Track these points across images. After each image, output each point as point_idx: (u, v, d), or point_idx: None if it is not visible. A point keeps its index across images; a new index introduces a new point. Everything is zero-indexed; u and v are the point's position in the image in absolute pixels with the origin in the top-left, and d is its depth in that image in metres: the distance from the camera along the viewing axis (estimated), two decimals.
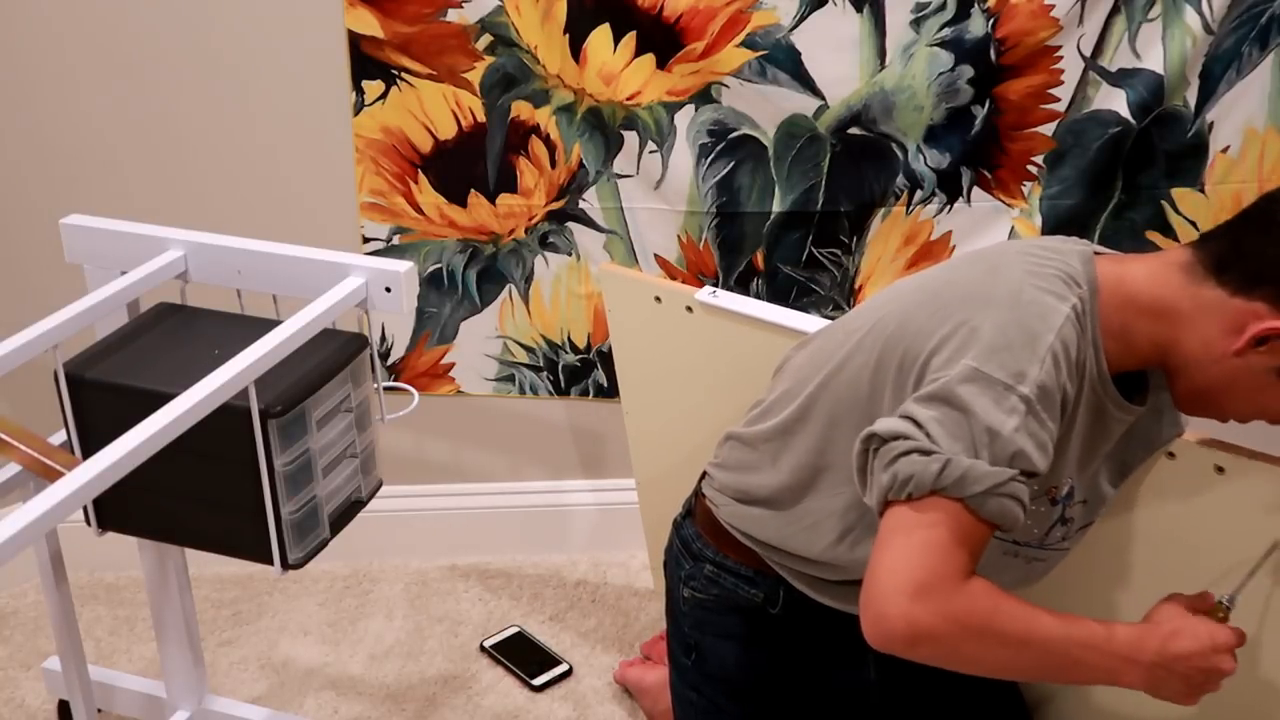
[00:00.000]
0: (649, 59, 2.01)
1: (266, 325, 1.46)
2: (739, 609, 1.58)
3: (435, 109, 2.06)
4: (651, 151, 2.08)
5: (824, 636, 1.54)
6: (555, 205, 2.14)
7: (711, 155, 2.07)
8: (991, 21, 1.96)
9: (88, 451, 1.36)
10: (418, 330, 2.24)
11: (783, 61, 1.99)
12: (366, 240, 2.16)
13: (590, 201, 2.13)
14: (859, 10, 1.96)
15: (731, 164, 2.07)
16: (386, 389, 2.07)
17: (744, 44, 1.98)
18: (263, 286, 1.59)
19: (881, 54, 1.99)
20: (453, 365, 2.27)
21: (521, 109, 2.06)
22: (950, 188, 2.09)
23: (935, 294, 1.35)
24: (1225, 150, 2.07)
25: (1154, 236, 2.13)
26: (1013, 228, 2.10)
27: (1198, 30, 1.97)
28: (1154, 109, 2.02)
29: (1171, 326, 1.31)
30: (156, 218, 1.65)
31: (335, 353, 1.51)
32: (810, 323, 1.69)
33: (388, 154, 2.10)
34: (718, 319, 1.77)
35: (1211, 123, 2.05)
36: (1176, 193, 2.10)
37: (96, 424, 1.46)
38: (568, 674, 2.11)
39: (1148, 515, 1.53)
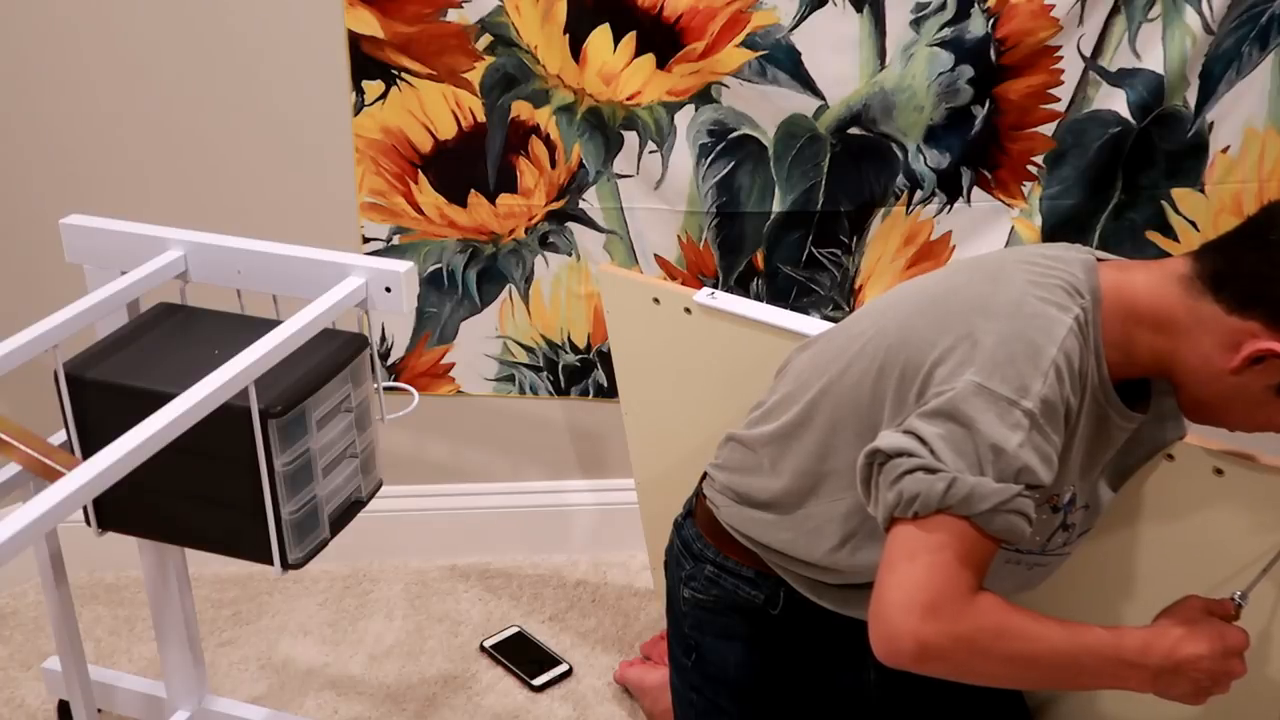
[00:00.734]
0: (649, 59, 2.01)
1: (266, 325, 1.46)
2: (739, 610, 1.58)
3: (435, 109, 2.06)
4: (651, 151, 2.08)
5: (824, 638, 1.54)
6: (555, 205, 2.14)
7: (711, 155, 2.07)
8: (991, 21, 1.96)
9: (88, 451, 1.36)
10: (418, 330, 2.24)
11: (783, 61, 1.99)
12: (366, 240, 2.16)
13: (590, 201, 2.13)
14: (859, 10, 1.96)
15: (731, 164, 2.07)
16: (386, 389, 2.08)
17: (744, 44, 1.98)
18: (263, 286, 1.59)
19: (881, 54, 1.99)
20: (453, 365, 2.27)
21: (521, 109, 2.06)
22: (950, 188, 2.09)
23: (936, 301, 1.35)
24: (1225, 150, 2.07)
25: (1154, 236, 2.13)
26: (1013, 227, 2.10)
27: (1198, 30, 1.97)
28: (1154, 109, 2.02)
29: (1171, 339, 1.31)
30: (156, 218, 1.65)
31: (335, 353, 1.51)
32: (808, 324, 1.69)
33: (388, 154, 2.10)
34: (716, 320, 1.77)
35: (1211, 123, 2.05)
36: (1176, 193, 2.10)
37: (96, 424, 1.46)
38: (568, 674, 2.11)
39: (1146, 519, 1.53)
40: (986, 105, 2.02)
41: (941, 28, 1.97)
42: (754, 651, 1.59)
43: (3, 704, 2.05)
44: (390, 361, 2.27)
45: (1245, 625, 1.31)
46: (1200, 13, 1.96)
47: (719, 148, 2.06)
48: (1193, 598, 1.33)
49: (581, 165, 2.10)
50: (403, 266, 1.52)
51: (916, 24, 1.97)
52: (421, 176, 2.12)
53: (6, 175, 2.12)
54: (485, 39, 2.02)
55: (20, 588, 2.31)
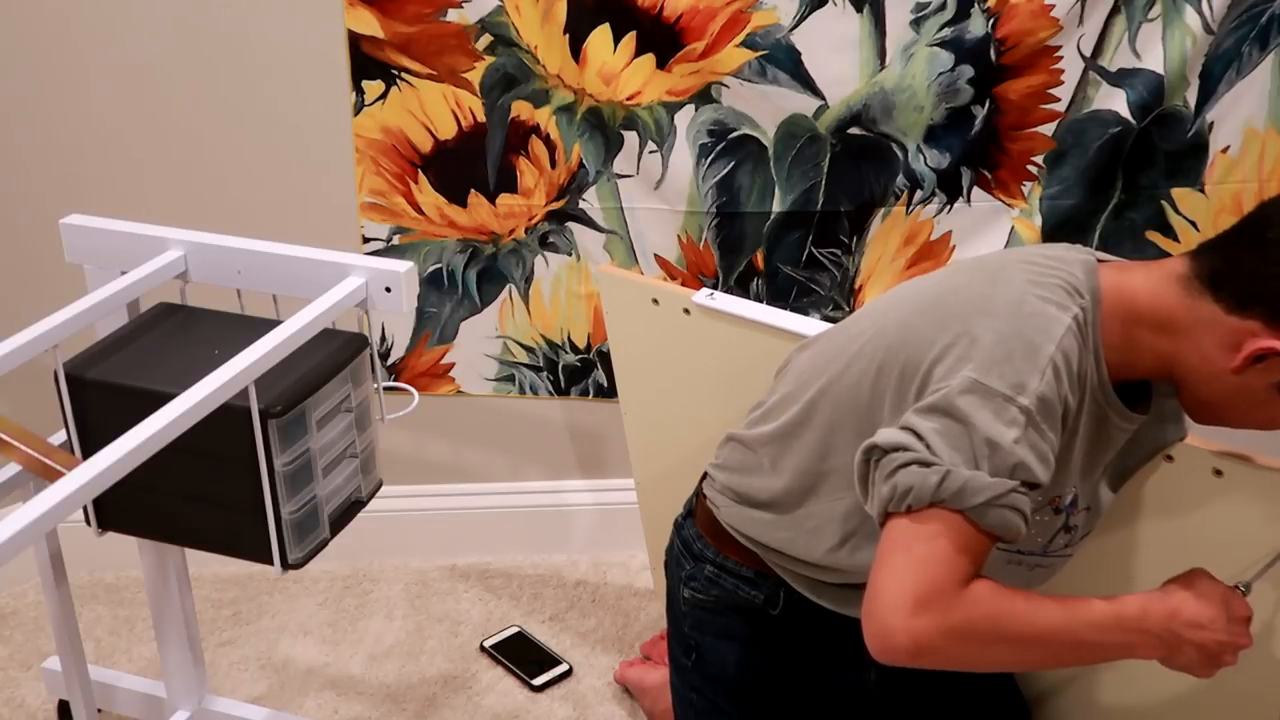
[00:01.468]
0: (649, 59, 2.01)
1: (266, 325, 1.46)
2: (739, 609, 1.58)
3: (435, 109, 2.06)
4: (651, 151, 2.08)
5: (824, 637, 1.54)
6: (555, 205, 2.14)
7: (711, 155, 2.07)
8: (991, 21, 1.96)
9: (88, 451, 1.36)
10: (418, 330, 2.24)
11: (783, 61, 1.99)
12: (366, 240, 2.16)
13: (590, 201, 2.13)
14: (859, 10, 1.96)
15: (731, 164, 2.07)
16: (386, 389, 2.08)
17: (744, 44, 1.98)
18: (263, 286, 1.59)
19: (881, 54, 1.99)
20: (453, 365, 2.27)
21: (521, 109, 2.06)
22: (950, 188, 2.09)
23: (937, 301, 1.35)
24: (1225, 150, 2.07)
25: (1154, 236, 2.13)
26: (1013, 227, 2.10)
27: (1198, 30, 1.97)
28: (1154, 109, 2.02)
29: (1172, 339, 1.31)
30: (156, 218, 1.65)
31: (335, 353, 1.51)
32: (807, 325, 1.69)
33: (388, 154, 2.10)
34: (715, 321, 1.77)
35: (1211, 123, 2.05)
36: (1176, 193, 2.10)
37: (96, 424, 1.46)
38: (568, 674, 2.11)
39: (1145, 519, 1.53)
40: (986, 105, 2.02)
41: (941, 28, 1.97)
42: (754, 651, 1.59)
43: (3, 704, 2.05)
44: (390, 361, 2.27)
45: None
46: (1200, 13, 1.96)
47: (719, 148, 2.06)
48: (1199, 570, 1.33)
49: (581, 165, 2.10)
50: (403, 266, 1.52)
51: (916, 24, 1.97)
52: (421, 176, 2.12)
53: (6, 175, 2.12)
54: (485, 39, 2.02)
55: (20, 588, 2.31)
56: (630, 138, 2.07)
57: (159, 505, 1.51)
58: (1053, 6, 1.93)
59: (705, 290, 1.80)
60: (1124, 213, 2.11)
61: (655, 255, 2.15)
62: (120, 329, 1.57)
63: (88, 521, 1.56)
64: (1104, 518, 1.48)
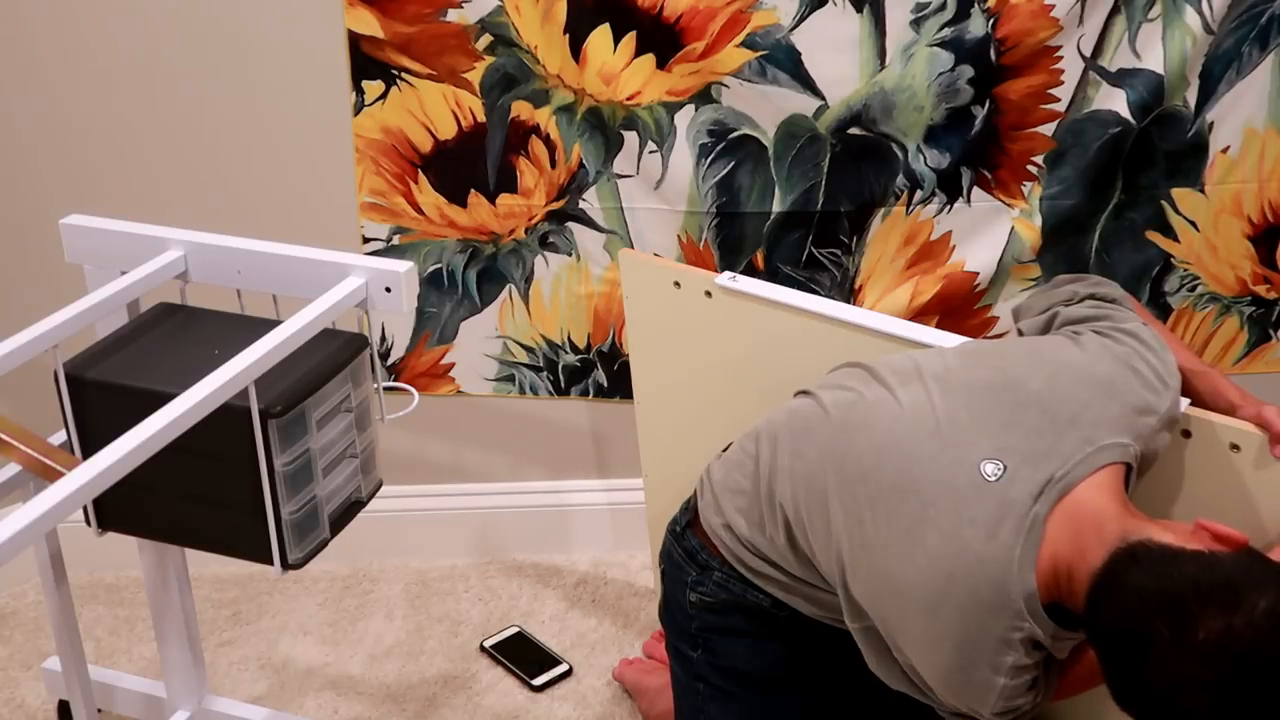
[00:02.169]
0: (649, 59, 2.01)
1: (266, 325, 1.46)
2: (746, 610, 1.60)
3: (435, 109, 2.06)
4: (651, 151, 2.08)
5: (831, 633, 1.55)
6: (555, 205, 2.14)
7: (711, 155, 2.07)
8: (991, 21, 1.96)
9: (88, 451, 1.36)
10: (418, 330, 2.24)
11: (783, 61, 1.99)
12: (366, 240, 2.16)
13: (590, 201, 2.13)
14: (859, 10, 1.96)
15: (731, 164, 2.07)
16: (386, 389, 2.07)
17: (744, 44, 1.98)
18: (263, 286, 1.59)
19: (881, 54, 1.99)
20: (453, 365, 2.27)
21: (521, 109, 2.06)
22: (950, 188, 2.09)
23: (897, 591, 1.38)
24: (1225, 150, 2.07)
25: (1154, 236, 2.13)
26: (1013, 228, 2.10)
27: (1198, 30, 1.97)
28: (1154, 109, 2.02)
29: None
30: (156, 218, 1.65)
31: (335, 353, 1.51)
32: (833, 307, 1.68)
33: (388, 154, 2.10)
34: (737, 303, 1.77)
35: (1211, 123, 2.05)
36: (1176, 193, 2.10)
37: (96, 424, 1.46)
38: (568, 674, 2.11)
39: (1163, 497, 1.52)
40: (986, 105, 2.02)
41: (941, 28, 1.97)
42: (764, 643, 1.62)
43: (3, 704, 2.05)
44: (390, 361, 2.27)
45: None
46: (1200, 13, 1.96)
47: (719, 148, 2.06)
48: None
49: (581, 165, 2.10)
50: (403, 266, 1.52)
51: (916, 24, 1.97)
52: (421, 176, 2.12)
53: (7, 175, 2.12)
54: (485, 39, 2.02)
55: (20, 588, 2.31)
56: (630, 138, 2.07)
57: (159, 505, 1.51)
58: (1053, 6, 1.93)
59: (728, 273, 1.80)
60: (1124, 213, 2.11)
61: (655, 255, 2.15)
62: (120, 329, 1.57)
63: (88, 521, 1.56)
64: None
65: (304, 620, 2.25)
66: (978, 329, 2.17)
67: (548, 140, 2.08)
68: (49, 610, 1.64)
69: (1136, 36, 1.98)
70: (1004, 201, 2.10)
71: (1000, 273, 2.13)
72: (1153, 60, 1.99)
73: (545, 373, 2.28)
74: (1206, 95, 2.03)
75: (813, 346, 1.70)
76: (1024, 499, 1.33)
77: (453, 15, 2.00)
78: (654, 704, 1.94)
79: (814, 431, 1.51)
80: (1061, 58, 2.00)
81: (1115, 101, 2.01)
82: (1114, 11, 1.97)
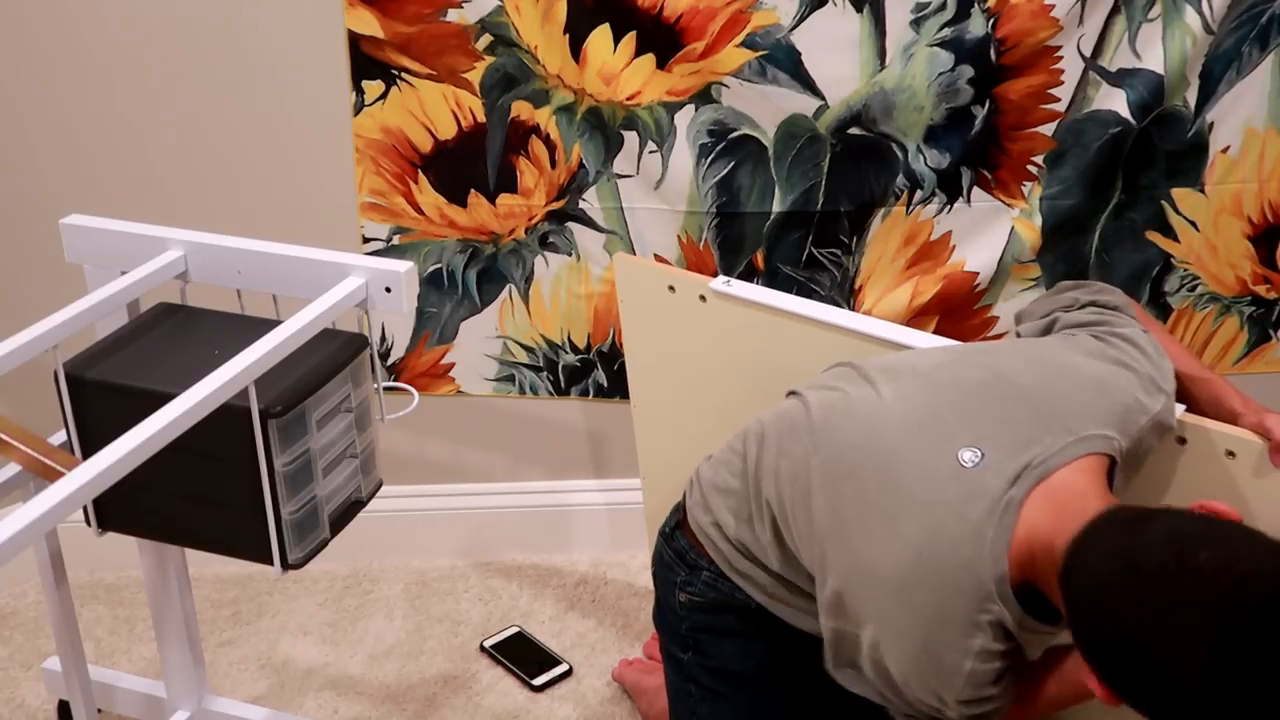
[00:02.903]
0: (649, 59, 2.01)
1: (266, 325, 1.46)
2: (734, 609, 1.60)
3: (435, 109, 2.06)
4: (651, 151, 2.08)
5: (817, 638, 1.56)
6: (555, 205, 2.14)
7: (711, 155, 2.07)
8: (991, 21, 1.96)
9: (88, 451, 1.36)
10: (418, 330, 2.24)
11: (783, 61, 1.99)
12: (366, 240, 2.16)
13: (590, 201, 2.13)
14: (859, 10, 1.96)
15: (731, 164, 2.07)
16: (386, 389, 2.08)
17: (744, 44, 1.98)
18: (263, 286, 1.59)
19: (881, 54, 1.99)
20: (453, 365, 2.27)
21: (521, 109, 2.06)
22: (950, 188, 2.09)
23: (870, 574, 1.38)
24: (1225, 150, 2.07)
25: (1154, 236, 2.13)
26: (1013, 228, 2.10)
27: (1198, 30, 1.97)
28: (1154, 109, 2.02)
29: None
30: (156, 218, 1.65)
31: (335, 353, 1.51)
32: (826, 311, 1.68)
33: (388, 154, 2.10)
34: (732, 308, 1.77)
35: (1211, 123, 2.05)
36: (1176, 193, 2.10)
37: (96, 424, 1.46)
38: (568, 674, 2.11)
39: (1156, 502, 1.52)
40: (986, 105, 2.02)
41: (941, 28, 1.97)
42: (752, 642, 1.62)
43: (3, 704, 2.05)
44: (390, 361, 2.27)
45: None
46: (1200, 13, 1.96)
47: (719, 148, 2.06)
48: None
49: (581, 165, 2.10)
50: (403, 266, 1.52)
51: (916, 24, 1.97)
52: (421, 176, 2.12)
53: (7, 175, 2.12)
54: (485, 39, 2.02)
55: (20, 588, 2.31)
56: (630, 138, 2.07)
57: (159, 505, 1.51)
58: (1053, 6, 1.93)
59: (722, 277, 1.80)
60: (1124, 213, 2.11)
61: (655, 255, 2.15)
62: (120, 329, 1.57)
63: (88, 521, 1.56)
64: None
65: (304, 620, 2.25)
66: (978, 329, 2.17)
67: (548, 140, 2.08)
68: (49, 610, 1.64)
69: (1136, 36, 1.98)
70: (1004, 201, 2.10)
71: (1000, 273, 2.13)
72: (1153, 60, 1.99)
73: (545, 373, 2.28)
74: (1206, 95, 2.03)
75: (807, 350, 1.71)
76: (1000, 483, 1.33)
77: (453, 15, 2.00)
78: (653, 704, 1.94)
79: (799, 430, 1.52)
80: (1061, 58, 2.00)
81: (1115, 101, 2.01)
82: (1114, 11, 1.97)
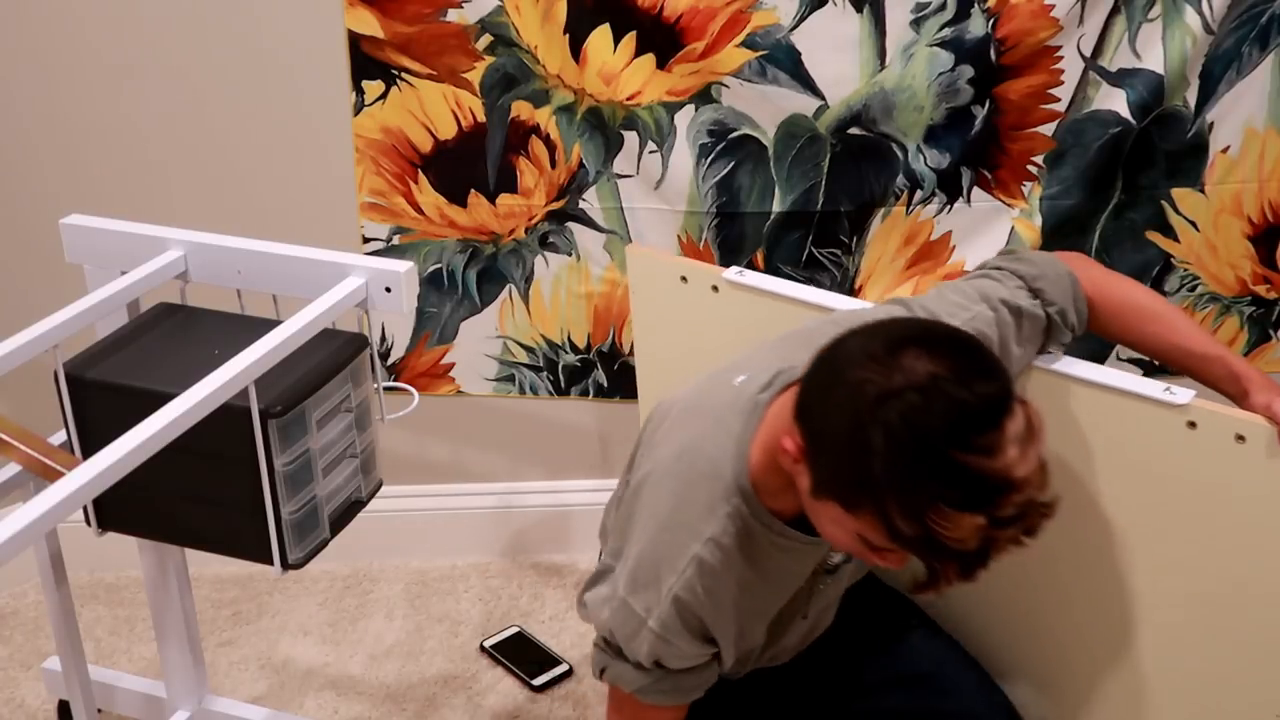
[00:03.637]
0: (649, 59, 2.01)
1: (266, 325, 1.46)
2: None
3: (435, 109, 2.06)
4: (651, 151, 2.08)
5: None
6: (555, 205, 2.14)
7: (711, 155, 2.07)
8: (991, 21, 1.96)
9: (88, 451, 1.36)
10: (418, 330, 2.24)
11: (783, 61, 1.99)
12: (366, 240, 2.16)
13: (590, 201, 2.13)
14: (859, 10, 1.96)
15: (731, 164, 2.07)
16: (386, 389, 2.08)
17: (744, 44, 1.98)
18: (263, 286, 1.59)
19: (881, 54, 1.99)
20: (453, 365, 2.27)
21: (521, 109, 2.06)
22: (950, 188, 2.09)
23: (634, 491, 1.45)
24: (1225, 150, 2.07)
25: (1154, 236, 2.13)
26: (1013, 228, 2.10)
27: (1198, 30, 1.97)
28: (1154, 109, 2.02)
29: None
30: (156, 218, 1.65)
31: (335, 353, 1.51)
32: (840, 301, 1.68)
33: (388, 154, 2.10)
34: (744, 298, 1.76)
35: (1211, 123, 2.05)
36: (1176, 193, 2.10)
37: (96, 424, 1.46)
38: (568, 674, 2.11)
39: (1169, 489, 1.51)
40: (986, 105, 2.02)
41: (941, 28, 1.97)
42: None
43: (3, 704, 2.05)
44: (390, 361, 2.27)
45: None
46: (1200, 13, 1.96)
47: (719, 148, 2.06)
48: None
49: (581, 165, 2.10)
50: (403, 266, 1.52)
51: (916, 24, 1.97)
52: (421, 176, 2.12)
53: (7, 175, 2.12)
54: (485, 39, 2.02)
55: (20, 588, 2.31)
56: (630, 138, 2.07)
57: (159, 505, 1.51)
58: (1053, 6, 1.93)
59: (735, 268, 1.80)
60: (1124, 213, 2.11)
61: None
62: (120, 329, 1.57)
63: (88, 521, 1.56)
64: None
65: (304, 620, 2.25)
66: None
67: (548, 140, 2.08)
68: (49, 610, 1.64)
69: (1136, 36, 1.98)
70: (1004, 201, 2.10)
71: None
72: (1153, 60, 1.99)
73: (545, 373, 2.28)
74: (1206, 95, 2.03)
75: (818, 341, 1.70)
76: (753, 389, 1.41)
77: (453, 15, 2.00)
78: None
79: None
80: (1061, 58, 2.00)
81: (1115, 101, 2.01)
82: (1114, 11, 1.97)
